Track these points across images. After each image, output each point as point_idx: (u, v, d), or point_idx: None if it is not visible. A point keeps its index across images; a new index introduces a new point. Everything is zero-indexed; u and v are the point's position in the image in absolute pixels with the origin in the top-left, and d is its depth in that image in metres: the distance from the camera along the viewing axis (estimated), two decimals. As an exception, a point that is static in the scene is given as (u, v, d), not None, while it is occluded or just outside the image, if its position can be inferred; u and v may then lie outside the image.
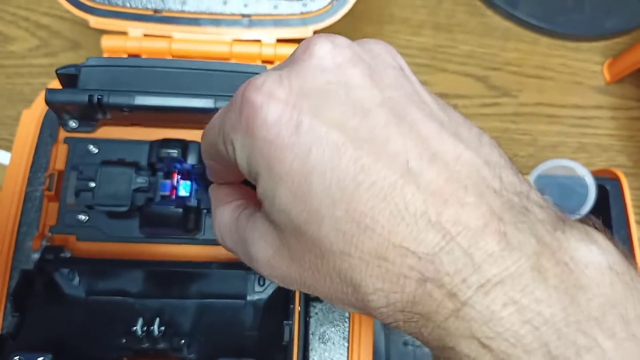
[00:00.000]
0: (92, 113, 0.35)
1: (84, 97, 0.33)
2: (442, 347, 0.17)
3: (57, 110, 0.35)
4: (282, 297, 0.33)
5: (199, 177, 0.35)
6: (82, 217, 0.35)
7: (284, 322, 0.31)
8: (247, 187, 0.25)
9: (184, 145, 0.34)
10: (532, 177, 0.44)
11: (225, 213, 0.24)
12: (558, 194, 0.45)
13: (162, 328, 0.30)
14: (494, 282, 0.16)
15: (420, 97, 0.20)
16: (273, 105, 0.18)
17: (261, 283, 0.34)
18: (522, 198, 0.18)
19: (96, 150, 0.36)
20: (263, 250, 0.21)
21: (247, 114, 0.19)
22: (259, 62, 0.42)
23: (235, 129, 0.19)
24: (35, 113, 0.38)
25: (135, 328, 0.30)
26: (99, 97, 0.33)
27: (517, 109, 0.68)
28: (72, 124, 0.36)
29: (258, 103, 0.18)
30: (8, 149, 0.55)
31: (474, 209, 0.17)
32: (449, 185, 0.17)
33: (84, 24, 0.57)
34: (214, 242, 0.35)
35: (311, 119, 0.18)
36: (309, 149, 0.18)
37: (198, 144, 0.34)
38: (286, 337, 0.30)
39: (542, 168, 0.44)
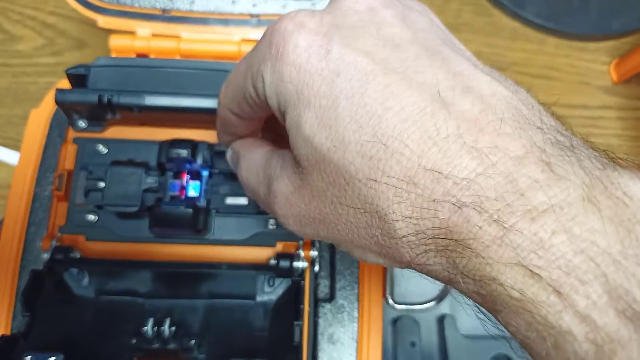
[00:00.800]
0: (101, 113, 0.35)
1: (94, 97, 0.33)
2: (479, 281, 0.16)
3: (66, 110, 0.35)
4: (292, 298, 0.33)
5: (209, 177, 0.35)
6: (92, 217, 0.34)
7: (295, 322, 0.30)
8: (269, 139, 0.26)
9: (193, 146, 0.34)
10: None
11: (255, 154, 0.24)
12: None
13: (173, 328, 0.30)
14: (541, 210, 0.15)
15: (453, 42, 0.20)
16: (304, 33, 0.19)
17: (271, 283, 0.34)
18: (566, 137, 0.17)
19: (106, 151, 0.36)
20: (284, 185, 0.20)
21: (278, 42, 0.19)
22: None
23: (265, 59, 0.19)
24: (43, 113, 0.38)
25: (145, 328, 0.30)
26: (109, 97, 0.33)
27: (523, 109, 0.67)
28: (82, 123, 0.36)
29: (289, 30, 0.19)
30: (16, 148, 0.55)
31: (512, 139, 0.16)
32: (484, 116, 0.16)
33: (90, 24, 0.57)
34: (223, 243, 0.35)
35: (341, 47, 0.18)
36: (337, 73, 0.18)
37: (207, 144, 0.34)
38: (297, 337, 0.30)
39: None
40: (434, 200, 0.16)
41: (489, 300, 0.16)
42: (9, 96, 0.57)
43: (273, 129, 0.27)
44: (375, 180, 0.17)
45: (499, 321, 0.17)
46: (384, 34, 0.19)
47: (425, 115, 0.16)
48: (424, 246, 0.17)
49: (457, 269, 0.16)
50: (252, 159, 0.24)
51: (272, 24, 0.20)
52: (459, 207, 0.16)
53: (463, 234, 0.16)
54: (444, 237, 0.16)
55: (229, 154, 0.27)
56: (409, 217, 0.17)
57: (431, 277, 0.18)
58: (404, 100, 0.17)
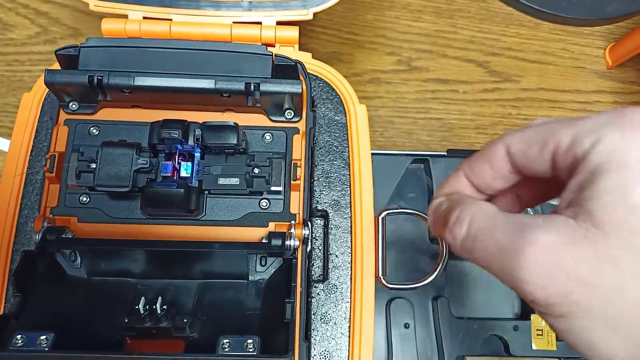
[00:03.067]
0: (92, 94, 0.35)
1: (83, 78, 0.33)
2: None
3: (57, 91, 0.35)
4: (284, 277, 0.33)
5: (201, 158, 0.35)
6: (84, 198, 0.35)
7: (286, 300, 0.31)
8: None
9: (184, 126, 0.33)
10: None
11: (487, 205, 0.22)
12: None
13: (165, 307, 0.30)
14: None
15: None
16: None
17: (263, 263, 0.34)
18: None
19: (97, 132, 0.36)
20: (550, 235, 0.18)
21: (631, 115, 0.19)
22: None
23: (610, 123, 0.19)
24: (35, 96, 0.38)
25: (137, 307, 0.30)
26: (99, 77, 0.33)
27: (518, 94, 0.67)
28: (73, 105, 0.36)
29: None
30: (10, 136, 0.55)
31: None
32: None
33: (84, 11, 0.57)
34: (215, 223, 0.35)
35: None
36: None
37: (199, 124, 0.34)
38: (288, 314, 0.30)
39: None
40: None
41: None
42: (3, 85, 0.57)
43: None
44: None
45: None
46: None
47: None
48: None
49: None
50: (485, 208, 0.22)
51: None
52: None
53: None
54: None
55: (437, 202, 0.25)
56: None
57: None
58: None
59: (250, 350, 0.27)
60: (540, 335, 0.46)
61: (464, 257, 0.22)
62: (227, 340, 0.28)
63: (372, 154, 0.52)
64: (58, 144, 0.35)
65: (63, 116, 0.36)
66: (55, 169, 0.34)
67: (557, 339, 0.46)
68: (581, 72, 0.69)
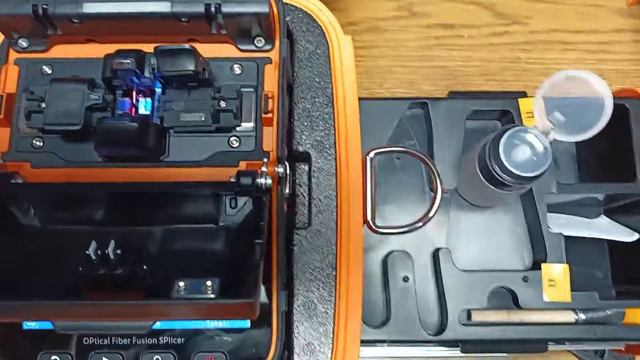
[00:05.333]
0: (40, 28, 0.32)
1: (27, 8, 0.30)
2: None
3: (3, 28, 0.32)
4: (256, 218, 0.30)
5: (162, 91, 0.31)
6: (37, 142, 0.32)
7: (255, 240, 0.27)
8: None
9: (139, 56, 0.30)
10: (539, 93, 0.39)
11: None
12: (571, 113, 0.40)
13: (118, 252, 0.27)
14: None
15: None
16: None
17: (233, 205, 0.31)
18: None
19: (50, 71, 0.33)
20: None
21: None
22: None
23: None
24: (-16, 37, 0.35)
25: (88, 252, 0.27)
26: (44, 7, 0.30)
27: (528, 37, 0.62)
28: (22, 43, 0.33)
29: None
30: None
31: None
32: None
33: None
34: (180, 165, 0.32)
35: None
36: None
37: (154, 51, 0.30)
38: (257, 254, 0.26)
39: (552, 80, 0.39)
40: None
41: None
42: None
43: None
44: None
45: None
46: None
47: None
48: None
49: None
50: None
51: None
52: None
53: None
54: None
55: None
56: None
57: None
58: None
59: (209, 292, 0.24)
60: (552, 285, 0.42)
61: None
62: (183, 283, 0.25)
63: (365, 99, 0.48)
64: (8, 85, 0.32)
65: (13, 55, 0.33)
66: (4, 110, 0.31)
67: (572, 289, 0.42)
68: (598, 10, 0.63)
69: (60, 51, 0.33)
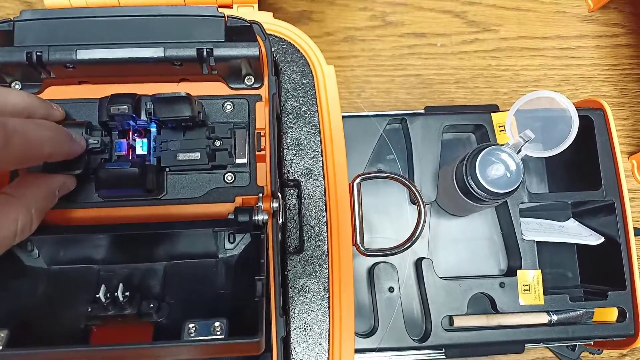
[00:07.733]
0: (34, 72, 0.32)
1: (21, 55, 0.31)
2: None
3: (-4, 72, 0.32)
4: (254, 253, 0.31)
5: (158, 132, 0.33)
6: (36, 184, 0.32)
7: (256, 277, 0.29)
8: None
9: (135, 100, 0.31)
10: (511, 112, 0.42)
11: None
12: (540, 127, 0.43)
13: (127, 293, 0.28)
14: None
15: None
16: None
17: (231, 240, 0.32)
18: None
19: (44, 113, 0.33)
20: None
21: None
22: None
23: None
24: (-24, 79, 0.35)
25: (98, 295, 0.28)
26: (38, 53, 0.31)
27: (498, 44, 0.65)
28: (16, 86, 0.33)
29: None
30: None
31: None
32: None
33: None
34: (178, 202, 0.33)
35: None
36: None
37: (150, 96, 0.31)
38: (258, 292, 0.28)
39: (522, 101, 0.41)
40: None
41: None
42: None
43: None
44: None
45: None
46: None
47: None
48: None
49: None
50: None
51: None
52: None
53: None
54: None
55: None
56: None
57: None
58: None
59: (218, 333, 0.26)
60: (527, 290, 0.45)
61: None
62: (193, 325, 0.26)
63: (347, 116, 0.50)
64: (3, 129, 0.33)
65: (6, 98, 0.33)
66: (2, 155, 0.32)
67: (545, 293, 0.45)
68: (562, 17, 0.66)
69: (54, 92, 0.34)
